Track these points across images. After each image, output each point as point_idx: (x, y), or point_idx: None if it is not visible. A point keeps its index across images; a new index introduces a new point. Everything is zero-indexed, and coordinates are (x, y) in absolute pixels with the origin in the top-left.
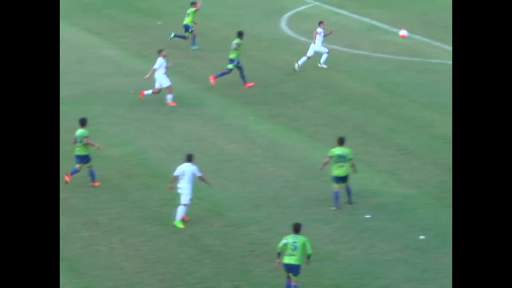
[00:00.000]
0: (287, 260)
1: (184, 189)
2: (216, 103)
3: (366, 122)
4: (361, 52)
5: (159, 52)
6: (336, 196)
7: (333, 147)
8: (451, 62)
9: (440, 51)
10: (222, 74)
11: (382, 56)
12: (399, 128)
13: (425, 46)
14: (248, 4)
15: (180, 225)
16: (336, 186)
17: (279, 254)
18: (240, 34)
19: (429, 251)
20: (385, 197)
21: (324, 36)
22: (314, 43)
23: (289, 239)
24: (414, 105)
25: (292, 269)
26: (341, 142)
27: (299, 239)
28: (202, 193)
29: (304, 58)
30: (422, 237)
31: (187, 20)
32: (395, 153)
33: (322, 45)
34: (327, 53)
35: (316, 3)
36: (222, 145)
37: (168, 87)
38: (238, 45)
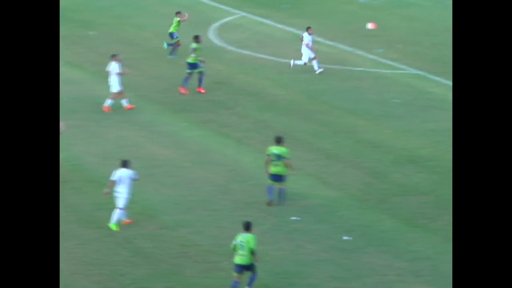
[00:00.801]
0: (238, 260)
1: (122, 193)
2: (148, 110)
3: (292, 128)
4: (286, 60)
5: (113, 56)
6: (269, 189)
7: (261, 151)
8: (373, 70)
9: (363, 60)
10: (198, 80)
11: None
12: (324, 133)
13: (348, 54)
14: None
15: (115, 228)
16: (270, 183)
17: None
18: (196, 38)
19: (354, 251)
20: (311, 200)
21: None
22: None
23: (238, 239)
24: (337, 111)
25: (244, 269)
26: (278, 141)
27: (245, 237)
28: (135, 197)
29: (300, 62)
30: (346, 237)
31: (172, 29)
32: (320, 157)
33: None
34: (305, 64)
35: (243, 13)
36: (154, 150)
37: (114, 93)
38: (195, 49)
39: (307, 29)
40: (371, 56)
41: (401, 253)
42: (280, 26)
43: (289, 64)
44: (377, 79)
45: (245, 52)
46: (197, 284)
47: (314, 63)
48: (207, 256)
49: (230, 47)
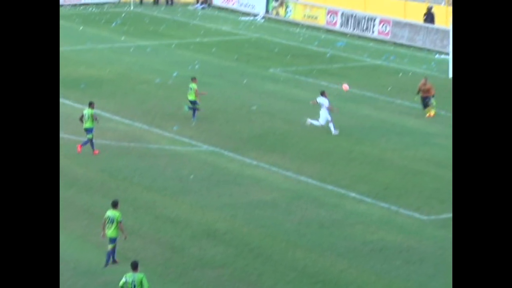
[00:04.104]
0: None
1: None
2: None
3: (92, 205)
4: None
5: None
6: (108, 255)
7: (62, 228)
8: (169, 147)
9: (159, 137)
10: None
11: (104, 142)
12: (124, 209)
13: (144, 132)
14: None
15: None
16: (109, 246)
17: None
18: (90, 104)
19: None
20: (111, 276)
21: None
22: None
23: (128, 277)
24: (136, 187)
25: None
26: (114, 205)
27: (136, 277)
28: None
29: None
30: None
31: (191, 96)
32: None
33: (328, 114)
34: (331, 121)
35: None
36: None
37: None
38: (91, 114)
39: (322, 93)
40: (166, 134)
41: None
42: (78, 105)
43: (306, 122)
44: (173, 156)
45: None
46: None
47: (331, 126)
48: None
49: None
